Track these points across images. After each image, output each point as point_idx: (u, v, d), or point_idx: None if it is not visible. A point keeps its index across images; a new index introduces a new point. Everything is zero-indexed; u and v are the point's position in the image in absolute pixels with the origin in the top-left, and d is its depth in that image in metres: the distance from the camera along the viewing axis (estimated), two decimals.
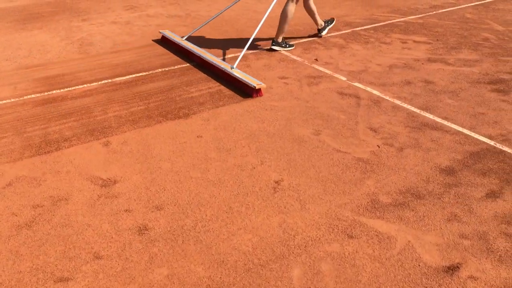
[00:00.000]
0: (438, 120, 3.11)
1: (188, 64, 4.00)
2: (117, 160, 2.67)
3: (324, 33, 4.69)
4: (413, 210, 2.28)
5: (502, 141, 2.86)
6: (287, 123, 3.07)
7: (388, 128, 3.00)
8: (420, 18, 5.37)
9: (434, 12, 5.62)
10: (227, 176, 2.53)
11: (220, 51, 4.28)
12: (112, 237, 2.10)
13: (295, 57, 4.16)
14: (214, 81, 3.67)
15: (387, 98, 3.41)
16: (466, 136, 2.92)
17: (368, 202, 2.34)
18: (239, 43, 4.45)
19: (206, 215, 2.24)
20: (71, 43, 4.52)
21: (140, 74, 3.81)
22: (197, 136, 2.90)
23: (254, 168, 2.61)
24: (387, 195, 2.39)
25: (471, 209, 2.29)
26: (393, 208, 2.30)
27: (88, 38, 4.66)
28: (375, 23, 5.11)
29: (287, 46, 4.35)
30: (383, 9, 5.68)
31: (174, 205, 2.30)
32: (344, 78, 3.74)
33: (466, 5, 5.92)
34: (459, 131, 2.97)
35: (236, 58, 3.94)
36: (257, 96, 3.41)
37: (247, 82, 3.43)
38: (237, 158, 2.69)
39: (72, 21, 5.22)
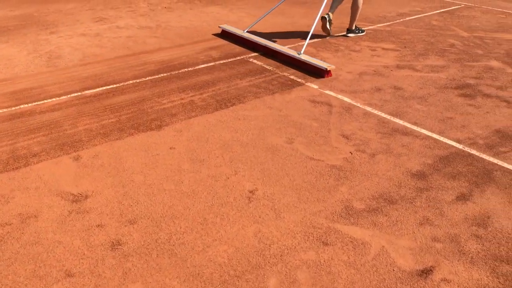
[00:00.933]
0: (408, 125, 3.16)
1: (160, 75, 3.97)
2: (88, 174, 2.62)
3: (351, 35, 5.08)
4: (386, 215, 2.31)
5: (470, 144, 2.93)
6: (260, 132, 3.07)
7: (360, 135, 3.04)
8: (388, 26, 5.48)
9: (401, 20, 5.75)
10: (201, 187, 2.51)
11: (279, 42, 4.47)
12: (84, 254, 2.06)
13: (267, 66, 4.18)
14: (186, 92, 3.65)
15: (358, 105, 3.46)
16: (436, 140, 2.98)
17: (342, 208, 2.35)
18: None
19: (180, 228, 2.21)
20: (39, 56, 4.44)
21: (111, 86, 3.76)
22: (170, 148, 2.88)
23: (228, 178, 2.60)
24: (361, 201, 2.41)
25: (443, 213, 2.33)
26: (366, 214, 2.32)
27: (57, 51, 4.59)
28: (345, 31, 5.18)
29: (360, 31, 5.04)
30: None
31: (148, 219, 2.27)
32: (316, 86, 3.78)
33: (432, 13, 6.08)
34: (428, 136, 3.03)
35: (293, 47, 4.41)
36: (327, 76, 3.91)
37: (317, 65, 3.94)
38: (210, 169, 2.67)
39: (39, 34, 5.12)
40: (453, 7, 6.27)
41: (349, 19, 5.03)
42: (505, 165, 2.72)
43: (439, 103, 3.49)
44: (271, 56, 4.42)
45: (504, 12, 6.09)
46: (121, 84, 3.80)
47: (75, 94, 3.61)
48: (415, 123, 3.19)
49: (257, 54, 4.49)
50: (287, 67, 4.16)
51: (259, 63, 4.27)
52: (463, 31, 5.24)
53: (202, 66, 4.19)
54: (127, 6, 6.41)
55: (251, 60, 4.34)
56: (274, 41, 4.71)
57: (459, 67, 4.19)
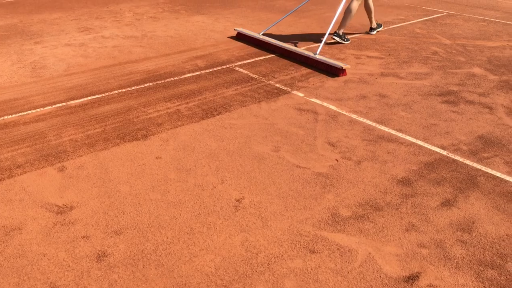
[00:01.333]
0: (393, 132, 3.20)
1: (146, 85, 3.96)
2: (73, 185, 2.59)
3: (374, 32, 5.52)
4: (372, 222, 2.32)
5: (454, 150, 2.97)
6: (246, 140, 3.08)
7: (345, 142, 3.06)
8: (372, 34, 5.54)
9: (385, 28, 5.82)
10: (188, 197, 2.50)
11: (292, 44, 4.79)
12: (69, 266, 2.03)
13: (253, 75, 4.20)
14: (172, 101, 3.64)
15: (344, 112, 3.49)
16: (420, 147, 3.02)
17: (328, 216, 2.36)
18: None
19: (167, 238, 2.20)
20: (23, 66, 4.40)
21: (96, 96, 3.74)
22: (156, 157, 2.87)
23: (215, 187, 2.59)
24: (347, 208, 2.42)
25: (428, 218, 2.35)
26: (353, 221, 2.33)
27: (41, 61, 4.55)
28: (329, 40, 5.23)
29: (345, 39, 5.12)
30: (336, 26, 5.83)
31: (134, 229, 2.26)
32: (301, 94, 3.80)
33: (416, 21, 6.16)
34: (413, 143, 3.07)
35: (308, 49, 4.51)
36: (342, 75, 4.20)
37: (334, 64, 4.23)
38: (197, 178, 2.67)
39: (24, 44, 5.09)
40: (436, 15, 6.37)
41: (368, 19, 5.50)
42: (488, 170, 2.76)
43: (423, 110, 3.53)
44: (287, 57, 4.69)
45: (486, 19, 6.20)
46: (107, 94, 3.78)
47: (60, 105, 3.59)
48: (400, 130, 3.22)
49: (243, 62, 4.51)
50: (272, 75, 4.19)
51: (245, 71, 4.29)
52: (446, 38, 5.33)
53: (188, 75, 4.20)
54: (112, 16, 6.40)
55: (237, 69, 4.36)
56: (290, 43, 4.94)
57: (442, 74, 4.26)
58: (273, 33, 5.40)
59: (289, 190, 2.57)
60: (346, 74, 4.22)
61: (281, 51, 4.78)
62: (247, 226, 2.29)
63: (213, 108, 3.54)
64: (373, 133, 3.18)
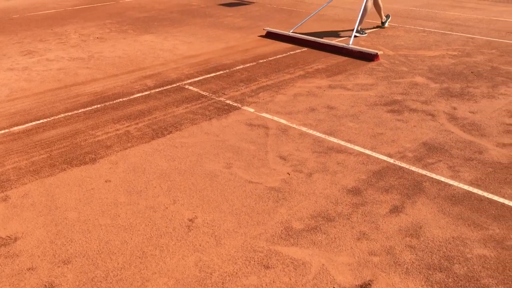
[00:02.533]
0: (342, 143, 3.27)
1: (93, 107, 3.87)
2: (18, 215, 2.49)
3: (386, 24, 6.56)
4: (325, 233, 2.35)
5: (400, 158, 3.07)
6: (198, 158, 3.06)
7: (296, 155, 3.10)
8: None
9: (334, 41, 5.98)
10: (139, 220, 2.45)
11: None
12: None
13: (203, 92, 4.19)
14: (121, 123, 3.58)
15: (294, 126, 3.54)
16: (368, 156, 3.09)
17: (282, 230, 2.37)
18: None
19: (118, 263, 2.14)
20: None
21: (41, 121, 3.63)
22: (106, 181, 2.80)
23: (167, 208, 2.56)
24: (300, 221, 2.44)
25: (378, 226, 2.41)
26: (306, 233, 2.35)
27: None
28: (277, 55, 5.31)
29: (363, 33, 6.12)
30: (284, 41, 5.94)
31: (83, 257, 2.18)
32: (252, 110, 3.83)
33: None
34: (361, 152, 3.14)
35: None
36: (376, 60, 5.07)
37: (368, 51, 5.14)
38: (148, 200, 2.62)
39: None
40: (378, 28, 6.60)
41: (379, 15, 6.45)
42: (433, 175, 2.86)
43: (370, 120, 3.64)
44: (319, 49, 5.50)
45: (425, 30, 6.48)
46: (52, 118, 3.68)
47: (2, 131, 3.45)
48: (348, 141, 3.30)
49: (192, 80, 4.50)
50: (223, 92, 4.20)
51: (195, 89, 4.28)
52: (389, 50, 5.52)
53: (137, 95, 4.15)
54: (57, 38, 6.25)
55: (186, 87, 4.34)
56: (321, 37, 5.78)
57: (387, 84, 4.40)
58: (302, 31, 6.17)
59: (242, 206, 2.57)
60: (379, 59, 5.07)
61: (314, 45, 5.60)
62: (200, 245, 2.26)
63: (163, 127, 3.51)
64: (323, 145, 3.24)
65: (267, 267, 2.12)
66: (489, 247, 2.25)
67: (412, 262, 2.16)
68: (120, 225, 2.41)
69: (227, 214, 2.50)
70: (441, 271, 2.10)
